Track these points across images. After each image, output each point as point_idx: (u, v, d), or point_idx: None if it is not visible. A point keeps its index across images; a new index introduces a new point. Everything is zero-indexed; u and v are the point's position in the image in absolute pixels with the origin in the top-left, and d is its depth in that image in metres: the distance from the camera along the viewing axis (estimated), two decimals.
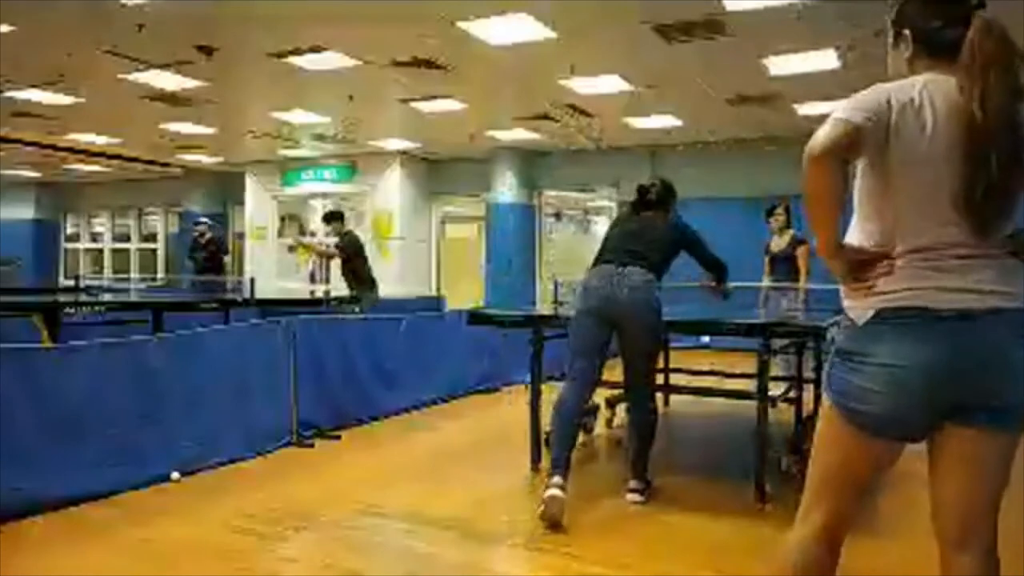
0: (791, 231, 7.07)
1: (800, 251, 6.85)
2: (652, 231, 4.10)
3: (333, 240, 8.31)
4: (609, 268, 3.91)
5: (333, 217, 8.17)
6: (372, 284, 8.08)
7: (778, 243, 7.12)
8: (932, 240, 1.67)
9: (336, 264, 9.22)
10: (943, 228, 1.66)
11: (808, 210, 1.72)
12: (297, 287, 14.50)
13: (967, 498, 1.76)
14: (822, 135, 1.66)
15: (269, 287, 13.19)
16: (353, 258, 7.90)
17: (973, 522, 1.77)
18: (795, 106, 9.45)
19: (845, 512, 1.87)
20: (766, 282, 6.95)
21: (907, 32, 1.82)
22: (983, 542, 1.78)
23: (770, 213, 7.21)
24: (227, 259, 11.30)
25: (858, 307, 1.74)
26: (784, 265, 6.95)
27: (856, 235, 1.80)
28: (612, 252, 4.01)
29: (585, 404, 3.97)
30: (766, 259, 7.20)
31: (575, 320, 3.93)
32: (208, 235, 10.64)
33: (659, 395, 6.40)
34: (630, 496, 3.86)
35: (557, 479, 3.57)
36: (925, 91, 1.68)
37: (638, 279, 3.84)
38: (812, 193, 1.70)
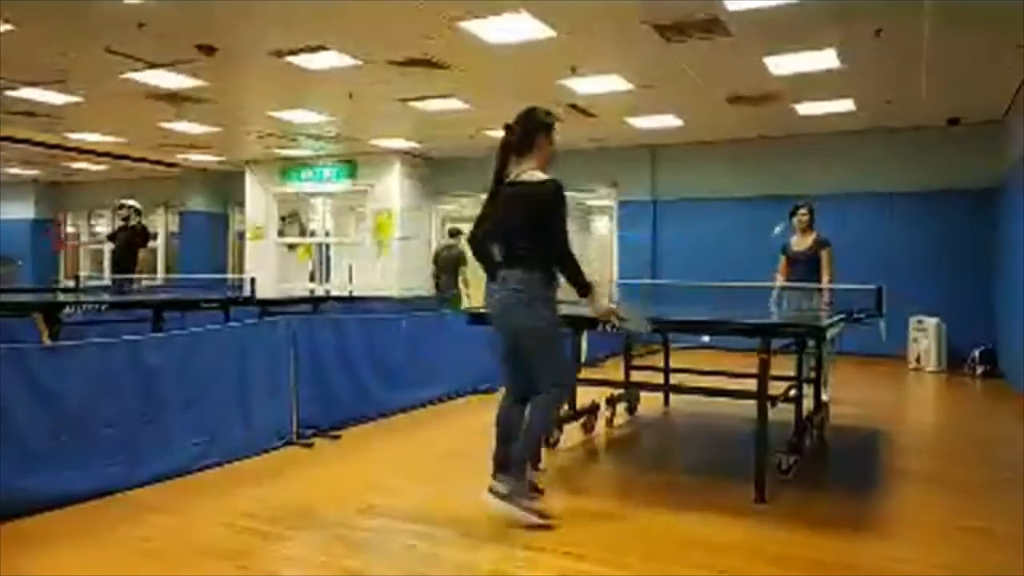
0: (814, 232, 6.86)
1: (824, 253, 6.68)
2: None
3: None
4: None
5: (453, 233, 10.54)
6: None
7: (800, 243, 6.90)
8: None
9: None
10: None
11: None
12: (296, 286, 14.51)
13: None
14: None
15: (269, 287, 13.22)
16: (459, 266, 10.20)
17: None
18: (795, 106, 9.45)
19: None
20: (780, 282, 6.77)
21: None
22: None
23: (793, 213, 6.98)
24: (142, 254, 9.08)
25: None
26: (805, 266, 6.73)
27: None
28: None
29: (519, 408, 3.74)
30: (783, 259, 6.96)
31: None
32: (133, 221, 9.03)
33: (653, 395, 6.48)
34: (487, 496, 3.54)
35: (491, 483, 3.58)
36: None
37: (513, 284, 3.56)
38: None
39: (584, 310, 3.88)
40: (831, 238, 6.85)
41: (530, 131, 3.64)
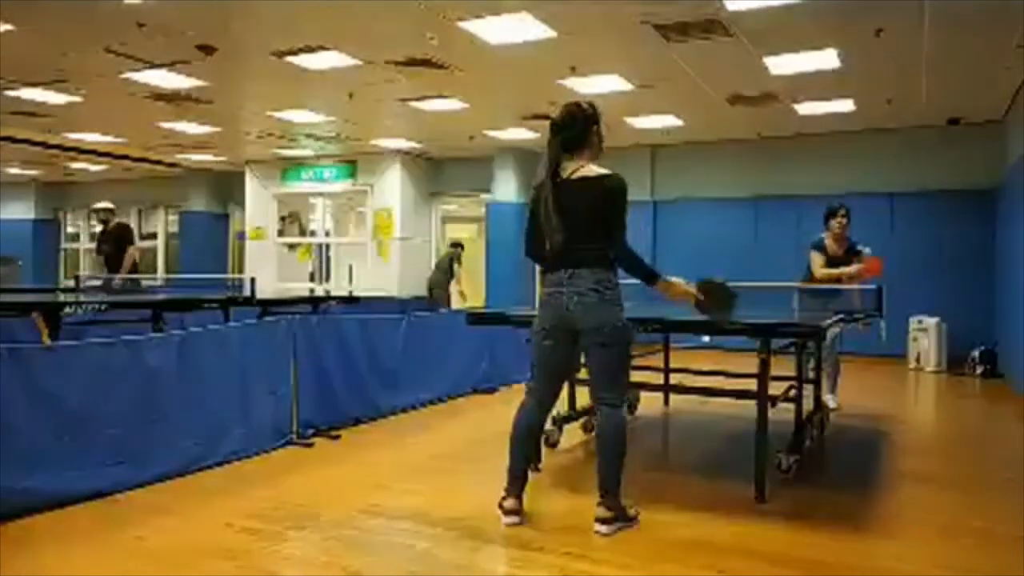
0: (848, 237, 6.54)
1: (856, 259, 6.41)
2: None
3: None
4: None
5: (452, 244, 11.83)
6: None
7: (836, 249, 6.50)
8: None
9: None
10: None
11: None
12: (296, 286, 14.52)
13: None
14: None
15: (269, 287, 13.23)
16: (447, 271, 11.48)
17: None
18: (795, 106, 9.45)
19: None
20: (825, 272, 6.42)
21: None
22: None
23: (832, 215, 6.50)
24: (130, 256, 8.82)
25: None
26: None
27: None
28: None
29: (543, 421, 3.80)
30: (823, 258, 6.46)
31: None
32: (113, 222, 8.97)
33: (653, 395, 6.49)
34: (596, 526, 3.41)
35: (510, 502, 3.52)
36: None
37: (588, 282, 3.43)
38: None
39: None
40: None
41: (582, 127, 3.54)
